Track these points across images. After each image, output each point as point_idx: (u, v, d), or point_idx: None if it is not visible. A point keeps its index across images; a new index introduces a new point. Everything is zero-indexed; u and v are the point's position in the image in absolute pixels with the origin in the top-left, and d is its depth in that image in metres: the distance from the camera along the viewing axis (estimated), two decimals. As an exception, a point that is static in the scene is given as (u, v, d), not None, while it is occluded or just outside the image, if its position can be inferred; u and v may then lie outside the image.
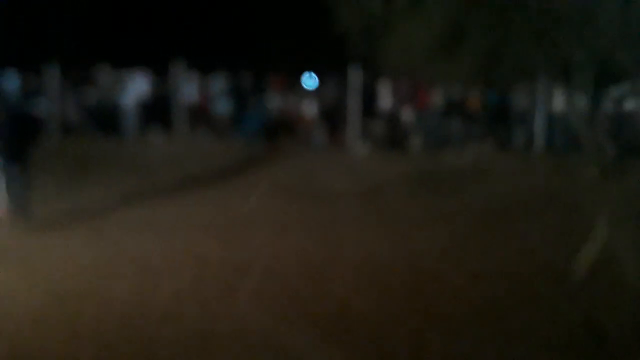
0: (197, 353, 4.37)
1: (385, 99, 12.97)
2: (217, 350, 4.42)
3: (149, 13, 17.88)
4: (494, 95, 11.94)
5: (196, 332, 4.66)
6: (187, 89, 14.37)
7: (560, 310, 5.20)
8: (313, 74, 14.49)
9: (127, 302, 5.18)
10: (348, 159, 12.21)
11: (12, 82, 14.87)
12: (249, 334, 4.63)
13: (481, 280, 5.92)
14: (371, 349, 4.51)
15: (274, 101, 14.05)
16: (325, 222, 8.11)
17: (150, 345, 4.43)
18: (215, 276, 5.86)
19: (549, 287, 5.71)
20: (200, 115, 14.55)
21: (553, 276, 6.00)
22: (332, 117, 13.55)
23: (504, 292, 5.60)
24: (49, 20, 17.06)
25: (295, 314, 5.02)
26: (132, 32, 17.46)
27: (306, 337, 4.60)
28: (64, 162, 12.74)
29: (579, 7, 8.06)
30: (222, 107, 14.23)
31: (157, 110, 14.72)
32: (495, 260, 6.51)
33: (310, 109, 13.52)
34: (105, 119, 14.64)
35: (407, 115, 12.80)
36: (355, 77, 12.61)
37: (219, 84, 14.25)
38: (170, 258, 6.40)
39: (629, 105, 11.64)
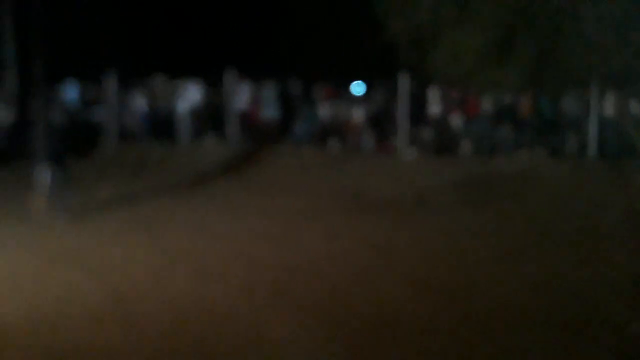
0: (249, 352, 4.43)
1: (434, 105, 12.86)
2: (268, 350, 4.46)
3: (204, 24, 18.27)
4: (546, 101, 11.67)
5: (248, 331, 4.74)
6: (239, 96, 14.58)
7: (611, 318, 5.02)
8: (361, 83, 14.50)
9: (181, 302, 5.33)
10: (396, 164, 12.19)
11: (72, 90, 15.43)
12: (298, 338, 4.65)
13: (538, 288, 5.74)
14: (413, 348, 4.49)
15: (324, 108, 14.10)
16: (372, 227, 8.12)
17: (204, 344, 4.53)
18: (265, 278, 5.95)
19: (604, 296, 5.52)
20: (250, 121, 14.75)
21: (608, 284, 5.81)
22: (381, 123, 13.53)
23: (557, 299, 5.44)
24: (108, 32, 17.61)
25: (341, 315, 5.02)
26: (186, 43, 17.87)
27: (354, 339, 4.59)
28: (121, 166, 13.15)
29: (631, 15, 7.86)
30: (272, 113, 14.38)
31: (209, 117, 15.03)
32: (549, 268, 6.33)
33: (359, 115, 13.52)
34: (161, 125, 15.03)
35: (457, 120, 12.66)
36: (403, 84, 12.56)
37: (269, 91, 14.39)
38: (223, 260, 6.57)
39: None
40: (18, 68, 15.63)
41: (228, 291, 5.55)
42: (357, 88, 14.74)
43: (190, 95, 14.67)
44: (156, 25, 18.40)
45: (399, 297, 5.50)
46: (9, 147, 13.23)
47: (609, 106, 10.74)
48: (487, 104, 12.26)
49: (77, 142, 14.38)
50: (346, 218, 8.56)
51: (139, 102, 15.08)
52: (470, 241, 7.40)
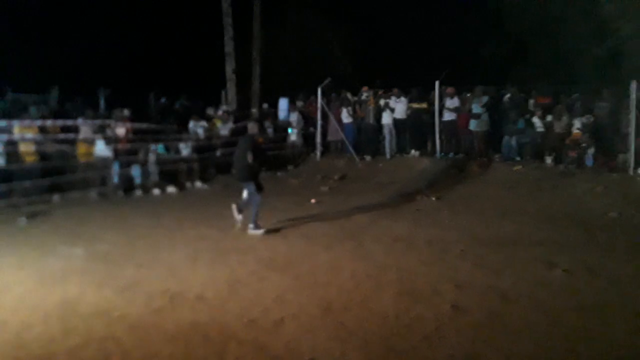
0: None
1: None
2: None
3: (410, 37, 18.62)
4: None
5: (456, 357, 4.65)
6: (446, 108, 14.55)
7: None
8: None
9: (388, 319, 5.38)
10: (625, 183, 11.20)
11: (284, 106, 16.77)
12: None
13: None
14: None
15: (539, 120, 13.49)
16: (597, 255, 7.46)
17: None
18: (476, 303, 5.78)
19: None
20: (457, 134, 14.64)
21: None
22: (606, 136, 12.56)
23: None
24: (316, 55, 18.87)
25: (566, 354, 4.73)
26: (394, 56, 18.36)
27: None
28: (326, 177, 13.88)
29: None
30: (481, 125, 14.10)
31: (414, 130, 15.23)
32: None
33: (579, 128, 12.71)
34: (365, 138, 15.60)
35: None
36: (634, 92, 11.54)
37: (478, 102, 14.14)
38: (429, 278, 6.50)
39: None
40: (236, 86, 17.41)
41: (437, 312, 5.47)
42: None
43: (394, 108, 15.03)
44: (366, 41, 19.20)
45: (633, 337, 5.01)
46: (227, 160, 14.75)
47: None
48: None
49: (285, 152, 15.60)
50: (564, 244, 8.01)
51: (345, 116, 15.82)
52: None
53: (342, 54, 20.02)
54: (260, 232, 8.59)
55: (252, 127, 9.27)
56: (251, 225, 8.64)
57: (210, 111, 16.11)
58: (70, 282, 6.50)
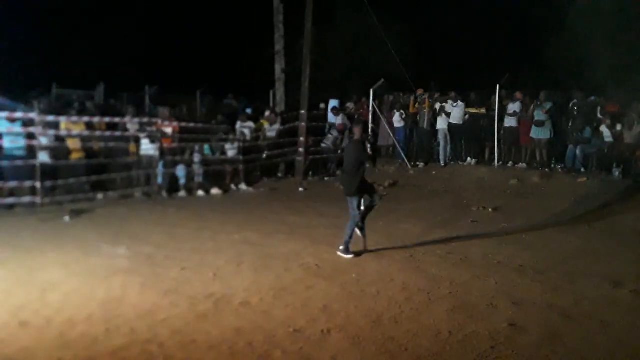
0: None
1: None
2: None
3: (470, 38, 18.47)
4: None
5: None
6: (507, 113, 14.32)
7: None
8: None
9: (440, 335, 5.37)
10: None
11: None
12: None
13: None
14: None
15: (607, 129, 13.15)
16: None
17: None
18: (534, 320, 5.70)
19: None
20: (518, 141, 14.40)
21: None
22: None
23: None
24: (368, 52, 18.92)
25: None
26: (452, 57, 18.25)
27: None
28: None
29: None
30: (544, 132, 13.81)
31: (471, 136, 15.07)
32: None
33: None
34: (418, 143, 15.53)
35: None
36: None
37: (541, 107, 13.86)
38: (486, 297, 6.42)
39: None
40: (285, 86, 17.59)
41: (493, 330, 5.43)
42: None
43: (450, 113, 14.90)
44: (420, 44, 19.16)
45: None
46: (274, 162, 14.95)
47: None
48: None
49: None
50: (632, 262, 7.80)
51: (397, 119, 15.77)
52: None
53: (397, 54, 19.96)
54: (349, 256, 7.95)
55: (358, 132, 8.45)
56: (341, 248, 8.03)
57: (249, 111, 16.12)
58: (114, 282, 6.73)
